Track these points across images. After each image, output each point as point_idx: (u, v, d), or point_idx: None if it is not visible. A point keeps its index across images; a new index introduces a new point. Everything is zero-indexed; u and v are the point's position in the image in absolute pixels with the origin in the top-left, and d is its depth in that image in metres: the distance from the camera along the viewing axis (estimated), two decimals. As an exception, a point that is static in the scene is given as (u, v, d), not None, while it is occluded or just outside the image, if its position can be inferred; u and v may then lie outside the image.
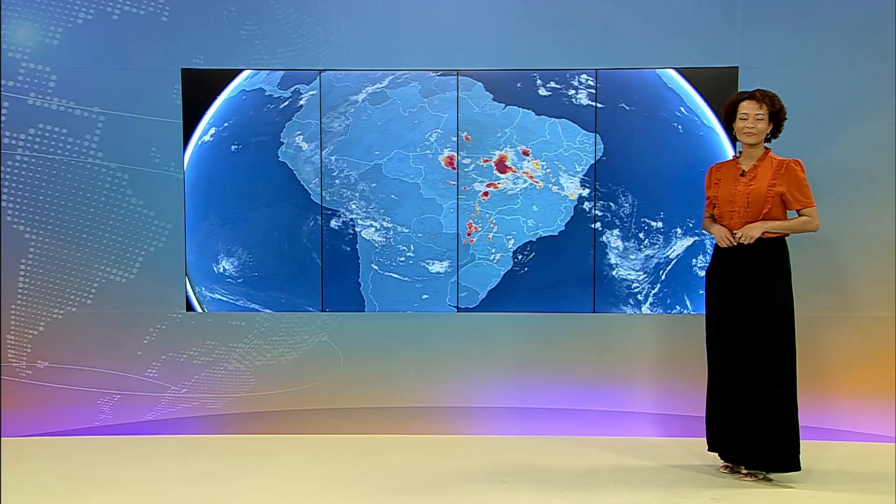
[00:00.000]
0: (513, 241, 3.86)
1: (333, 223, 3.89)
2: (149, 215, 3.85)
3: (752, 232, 3.12)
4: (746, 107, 3.16)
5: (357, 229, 3.88)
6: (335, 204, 3.88)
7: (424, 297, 3.90)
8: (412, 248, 3.88)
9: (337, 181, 3.87)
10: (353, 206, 3.88)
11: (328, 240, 3.89)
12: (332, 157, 3.87)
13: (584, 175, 3.81)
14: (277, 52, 3.80)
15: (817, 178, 3.66)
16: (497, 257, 3.86)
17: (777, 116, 3.18)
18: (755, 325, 3.13)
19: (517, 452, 3.58)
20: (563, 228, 3.85)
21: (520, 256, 3.87)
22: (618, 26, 3.75)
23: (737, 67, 3.69)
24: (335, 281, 3.90)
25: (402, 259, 3.89)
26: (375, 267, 3.89)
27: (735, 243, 3.16)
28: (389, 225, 3.88)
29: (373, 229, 3.88)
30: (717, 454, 3.30)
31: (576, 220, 3.84)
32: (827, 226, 3.66)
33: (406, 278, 3.89)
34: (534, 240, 3.86)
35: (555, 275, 3.85)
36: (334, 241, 3.89)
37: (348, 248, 3.89)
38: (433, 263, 3.88)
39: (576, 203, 3.82)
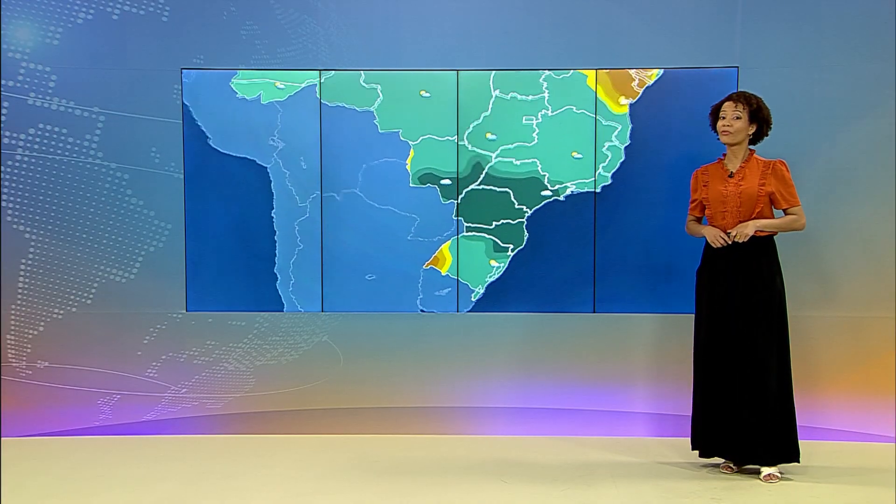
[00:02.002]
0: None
1: (288, 203, 3.83)
2: (149, 215, 3.85)
3: (747, 230, 3.15)
4: (724, 107, 3.24)
5: (318, 211, 3.84)
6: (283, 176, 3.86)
7: (370, 277, 3.80)
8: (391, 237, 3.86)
9: (283, 143, 3.81)
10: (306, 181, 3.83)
11: (280, 224, 3.83)
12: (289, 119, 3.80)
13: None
14: (277, 52, 3.80)
15: (817, 177, 3.68)
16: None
17: (758, 117, 3.20)
18: (751, 321, 3.16)
19: (518, 452, 3.58)
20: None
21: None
22: (618, 26, 3.75)
23: (737, 67, 3.70)
24: (267, 278, 3.86)
25: (377, 255, 3.83)
26: (337, 263, 3.83)
27: (730, 242, 3.17)
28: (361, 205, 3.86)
29: (337, 211, 3.84)
30: (713, 454, 3.31)
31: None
32: (826, 226, 3.67)
33: (375, 276, 3.85)
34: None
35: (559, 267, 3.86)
36: (286, 225, 3.83)
37: (300, 236, 3.82)
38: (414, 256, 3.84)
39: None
